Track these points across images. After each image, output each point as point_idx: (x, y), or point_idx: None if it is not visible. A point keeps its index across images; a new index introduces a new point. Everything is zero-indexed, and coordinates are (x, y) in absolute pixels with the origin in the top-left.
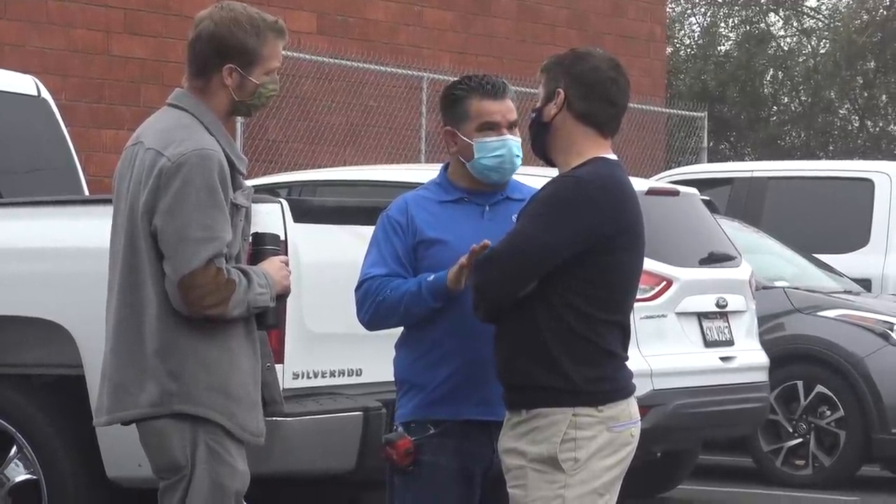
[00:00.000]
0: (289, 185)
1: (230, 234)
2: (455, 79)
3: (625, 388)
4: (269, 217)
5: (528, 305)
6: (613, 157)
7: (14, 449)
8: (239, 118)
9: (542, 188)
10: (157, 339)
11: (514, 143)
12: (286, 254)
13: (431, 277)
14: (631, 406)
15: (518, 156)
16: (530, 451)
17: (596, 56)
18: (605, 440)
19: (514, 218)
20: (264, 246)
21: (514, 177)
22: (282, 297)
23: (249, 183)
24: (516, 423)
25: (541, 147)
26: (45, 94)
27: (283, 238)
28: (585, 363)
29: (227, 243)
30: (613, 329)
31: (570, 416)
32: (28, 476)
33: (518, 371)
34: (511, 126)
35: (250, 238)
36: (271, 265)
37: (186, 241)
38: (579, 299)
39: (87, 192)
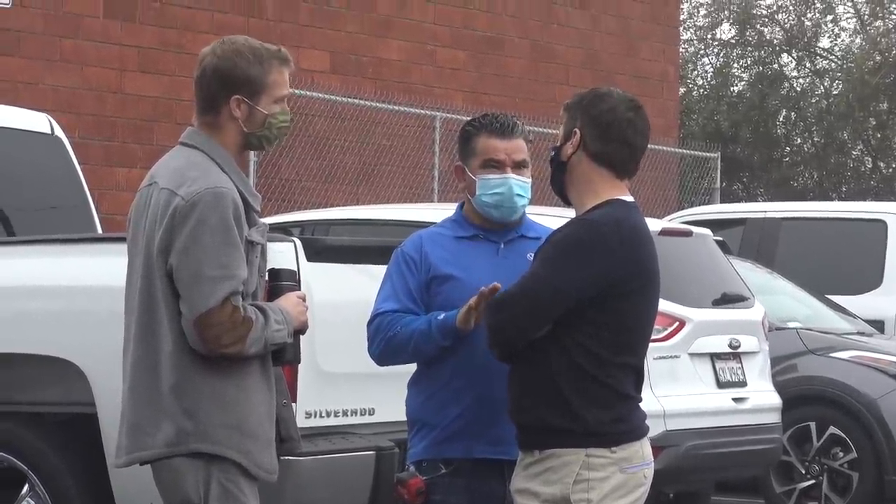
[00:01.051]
0: (301, 224)
1: (246, 271)
2: (469, 118)
3: (638, 430)
4: (283, 256)
5: (541, 347)
6: (629, 198)
7: (26, 487)
8: (252, 156)
9: (557, 231)
10: (172, 377)
11: (515, 181)
12: None
13: (442, 316)
14: (644, 447)
15: (520, 195)
16: (543, 491)
17: (615, 97)
18: (619, 481)
19: (528, 256)
20: (281, 282)
21: (531, 216)
22: (299, 333)
23: (262, 221)
24: (529, 464)
25: (558, 186)
26: (59, 132)
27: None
28: (598, 405)
29: (242, 281)
30: (627, 371)
31: (583, 457)
32: None
33: (531, 412)
34: (517, 166)
35: (267, 274)
36: (288, 301)
37: (202, 280)
38: (592, 341)
39: (99, 230)
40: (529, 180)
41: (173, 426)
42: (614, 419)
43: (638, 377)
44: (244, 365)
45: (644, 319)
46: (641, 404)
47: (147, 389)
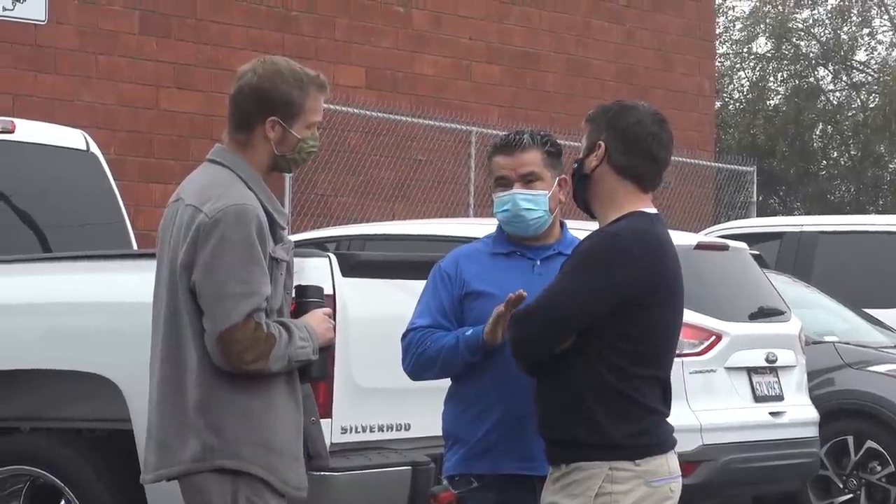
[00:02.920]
0: (337, 240)
1: (269, 288)
2: (503, 133)
3: (664, 443)
4: (318, 271)
5: (566, 360)
6: (653, 210)
7: (62, 503)
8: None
9: (580, 243)
10: (197, 393)
11: (521, 196)
12: (332, 306)
13: (470, 332)
14: (670, 461)
15: (528, 209)
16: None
17: (640, 110)
18: (642, 494)
19: None
20: (307, 299)
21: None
22: (325, 350)
23: (298, 237)
24: (557, 478)
25: (581, 198)
26: (94, 149)
27: (331, 292)
28: (622, 418)
29: (265, 297)
30: (652, 384)
31: (607, 471)
32: None
33: (557, 426)
34: (524, 179)
35: (293, 291)
36: (314, 318)
37: (225, 297)
38: (615, 354)
39: (135, 246)
40: (544, 192)
41: (199, 442)
42: (639, 432)
43: (664, 390)
44: (270, 381)
45: (668, 332)
46: (677, 418)
47: (172, 405)
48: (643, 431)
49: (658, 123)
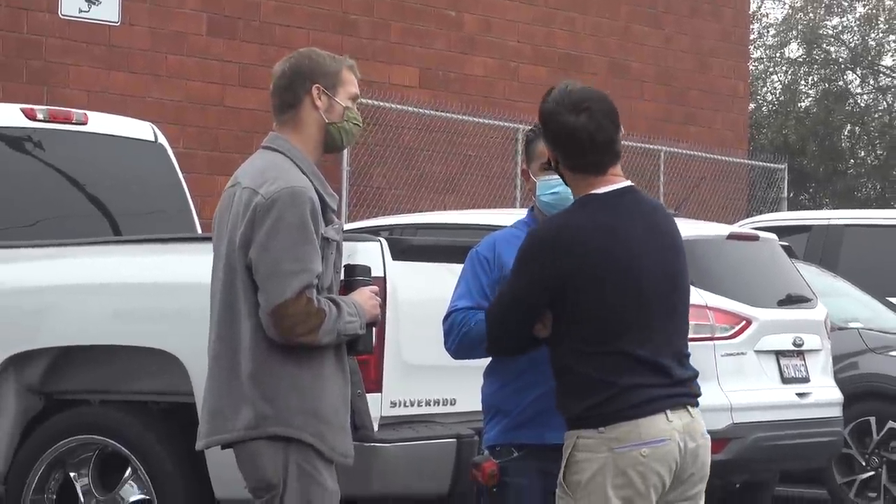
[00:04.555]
0: (391, 228)
1: (320, 266)
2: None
3: (630, 410)
4: (369, 255)
5: (547, 346)
6: (608, 188)
7: (129, 471)
8: (345, 165)
9: None
10: (251, 365)
11: None
12: (382, 288)
13: None
14: (642, 426)
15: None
16: (560, 480)
17: (550, 104)
18: (606, 460)
19: None
20: (355, 277)
21: None
22: (371, 325)
23: (354, 225)
24: None
25: None
26: (162, 140)
27: (381, 274)
28: (582, 394)
29: (317, 275)
30: (611, 359)
31: (575, 440)
32: (142, 496)
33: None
34: None
35: (342, 270)
36: (361, 295)
37: (279, 274)
38: (570, 337)
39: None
40: None
41: (252, 411)
42: (598, 404)
43: (636, 362)
44: (319, 354)
45: (614, 310)
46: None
47: (227, 377)
48: (603, 402)
49: (573, 113)
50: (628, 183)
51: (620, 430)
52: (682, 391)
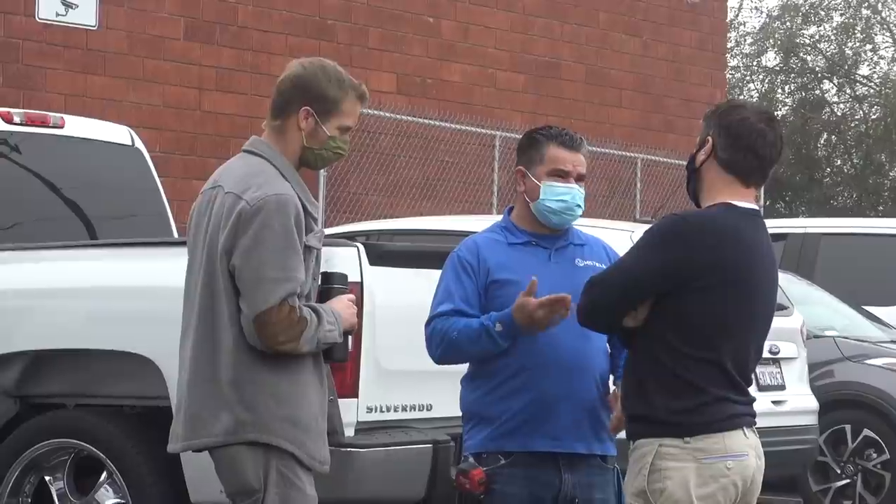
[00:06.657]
0: (367, 233)
1: (304, 274)
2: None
3: (717, 423)
4: (346, 260)
5: (635, 340)
6: (747, 205)
7: (104, 474)
8: (322, 171)
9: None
10: (231, 371)
11: (579, 193)
12: (360, 294)
13: (497, 318)
14: (728, 440)
15: (579, 205)
16: (631, 485)
17: (748, 108)
18: (692, 471)
19: (577, 262)
20: (332, 285)
21: (577, 226)
22: (348, 333)
23: (331, 230)
24: (629, 456)
25: (692, 190)
26: (139, 144)
27: (358, 280)
28: (670, 396)
29: (300, 283)
30: (703, 366)
31: (657, 447)
32: (117, 501)
33: (627, 403)
34: (580, 178)
35: (319, 278)
36: (339, 303)
37: (263, 281)
38: (671, 334)
39: (176, 237)
40: (584, 192)
41: (232, 417)
42: (685, 410)
43: (723, 374)
44: (298, 361)
45: (725, 316)
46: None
47: (206, 382)
48: (689, 410)
49: (766, 122)
50: (757, 207)
51: (708, 441)
52: (753, 411)
